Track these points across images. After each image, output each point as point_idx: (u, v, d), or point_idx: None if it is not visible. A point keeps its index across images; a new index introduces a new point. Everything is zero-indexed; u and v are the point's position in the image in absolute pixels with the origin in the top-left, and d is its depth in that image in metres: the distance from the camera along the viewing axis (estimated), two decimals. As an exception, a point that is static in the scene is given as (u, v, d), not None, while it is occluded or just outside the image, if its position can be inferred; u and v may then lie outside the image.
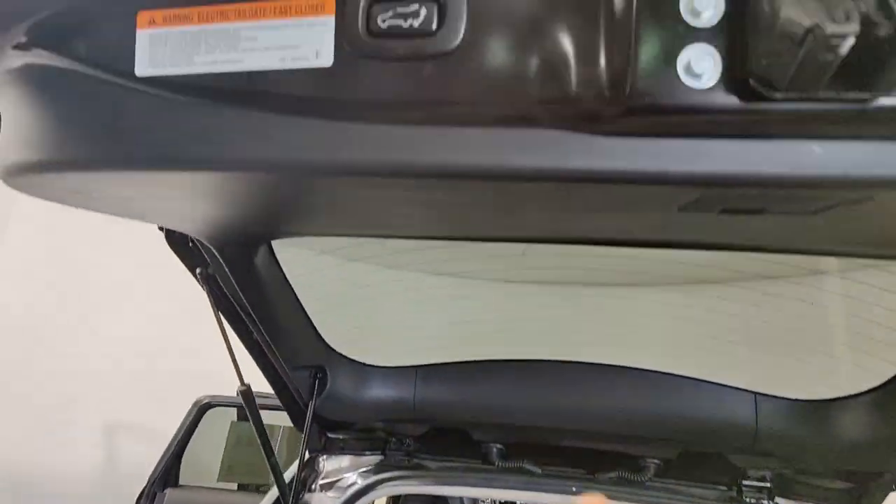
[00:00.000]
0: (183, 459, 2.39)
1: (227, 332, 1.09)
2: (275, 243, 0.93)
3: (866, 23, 0.28)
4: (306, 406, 1.17)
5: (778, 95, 0.31)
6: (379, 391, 1.23)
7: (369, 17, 0.37)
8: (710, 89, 0.33)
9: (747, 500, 1.17)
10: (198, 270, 0.99)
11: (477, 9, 0.36)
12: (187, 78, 0.40)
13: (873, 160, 0.34)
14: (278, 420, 2.39)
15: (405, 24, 0.37)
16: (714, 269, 1.05)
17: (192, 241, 0.93)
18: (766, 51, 0.30)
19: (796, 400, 1.11)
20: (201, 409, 2.41)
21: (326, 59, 0.38)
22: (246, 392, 1.08)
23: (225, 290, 1.02)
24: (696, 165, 0.35)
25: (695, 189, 0.38)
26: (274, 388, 1.19)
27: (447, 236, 0.82)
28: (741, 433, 1.13)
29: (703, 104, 0.33)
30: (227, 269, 0.92)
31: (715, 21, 0.33)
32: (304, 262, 1.05)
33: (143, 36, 0.41)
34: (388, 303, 1.21)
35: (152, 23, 0.41)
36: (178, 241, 0.93)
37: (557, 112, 0.36)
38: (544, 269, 1.12)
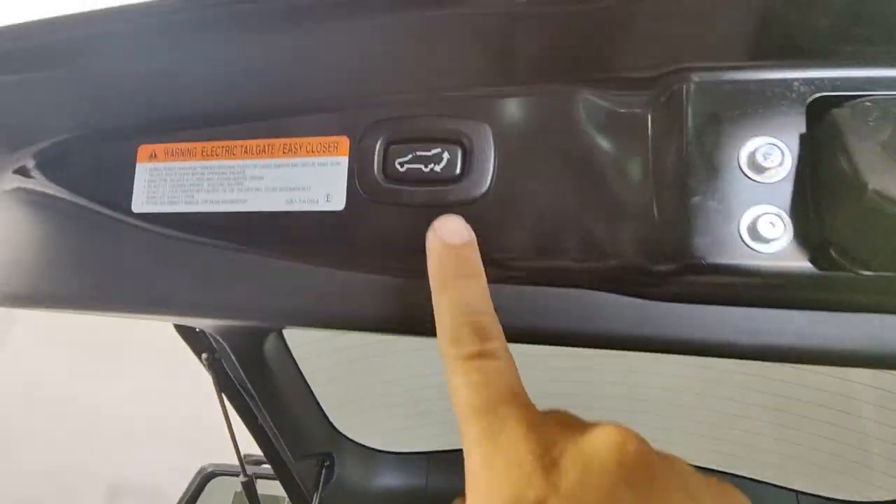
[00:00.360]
0: (184, 532, 2.28)
1: (229, 417, 1.04)
2: (286, 330, 0.90)
3: None
4: (311, 496, 1.11)
5: (866, 273, 0.27)
6: (390, 479, 1.17)
7: (386, 160, 0.35)
8: (779, 254, 0.29)
9: None
10: (204, 356, 0.95)
11: (507, 153, 0.34)
12: (186, 216, 0.38)
13: None
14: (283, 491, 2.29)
15: (426, 169, 0.34)
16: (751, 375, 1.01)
17: (201, 330, 0.90)
18: (845, 221, 0.27)
19: (835, 499, 1.04)
20: (204, 479, 2.32)
21: (338, 203, 0.36)
22: (247, 483, 1.03)
23: (231, 375, 0.99)
24: (759, 338, 0.31)
25: (753, 358, 0.34)
26: (278, 477, 1.13)
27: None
28: None
29: (770, 270, 0.29)
30: (233, 357, 0.89)
31: (781, 178, 0.30)
32: (314, 344, 1.01)
33: (142, 170, 0.39)
34: (399, 386, 1.16)
35: (153, 157, 0.39)
36: (184, 328, 0.91)
37: (597, 272, 0.33)
38: (564, 371, 1.07)
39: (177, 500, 2.49)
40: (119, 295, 0.39)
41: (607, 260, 0.33)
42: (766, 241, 0.29)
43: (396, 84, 0.36)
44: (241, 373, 0.93)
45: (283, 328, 0.80)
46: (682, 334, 0.33)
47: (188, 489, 2.33)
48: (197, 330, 0.91)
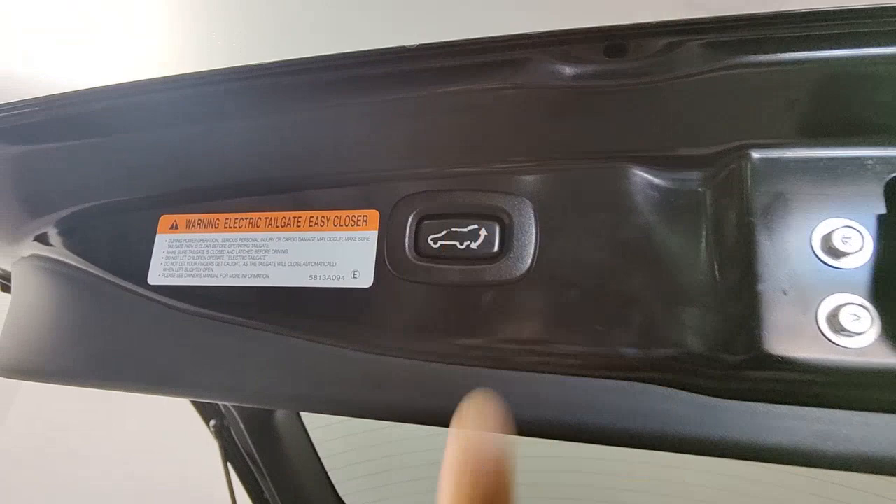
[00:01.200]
0: None
1: (233, 489, 0.98)
2: None
3: None
4: None
5: None
6: None
7: (418, 236, 0.33)
8: (866, 349, 0.26)
9: None
10: (212, 423, 0.91)
11: (550, 231, 0.31)
12: (204, 290, 0.36)
13: None
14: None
15: (461, 246, 0.32)
16: None
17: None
18: None
19: None
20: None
21: (366, 280, 0.33)
22: None
23: (238, 443, 0.94)
24: (847, 445, 0.27)
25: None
26: None
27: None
28: None
29: (857, 367, 0.26)
30: (242, 425, 0.85)
31: (861, 264, 0.27)
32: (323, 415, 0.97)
33: (161, 241, 0.37)
34: (406, 460, 1.10)
35: (174, 228, 0.37)
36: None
37: (652, 362, 0.30)
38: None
39: None
40: (127, 372, 0.36)
41: (664, 348, 0.30)
42: (851, 334, 0.26)
43: (431, 157, 0.35)
44: (249, 442, 0.89)
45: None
46: (750, 438, 0.29)
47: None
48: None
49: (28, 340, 0.39)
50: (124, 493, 3.38)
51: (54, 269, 0.39)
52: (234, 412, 0.83)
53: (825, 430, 0.28)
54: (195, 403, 0.93)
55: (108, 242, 0.38)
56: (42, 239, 0.40)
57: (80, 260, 0.38)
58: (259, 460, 0.92)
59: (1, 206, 0.41)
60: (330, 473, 1.04)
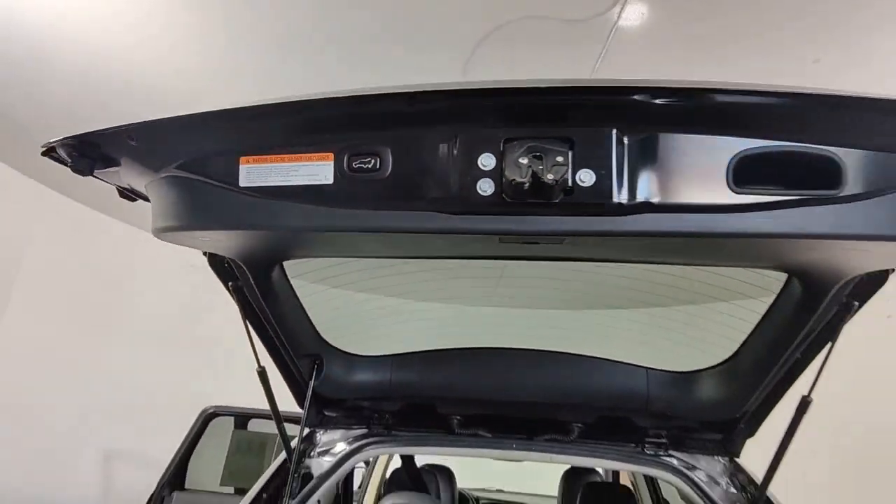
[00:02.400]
0: (189, 464, 2.65)
1: (250, 331, 1.41)
2: (286, 264, 1.29)
3: None
4: (307, 387, 1.49)
5: None
6: (363, 375, 1.56)
7: (349, 162, 0.77)
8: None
9: (649, 453, 1.51)
10: (230, 283, 1.32)
11: (399, 157, 0.77)
12: (263, 188, 0.81)
13: None
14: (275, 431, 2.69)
15: (368, 165, 0.77)
16: (612, 288, 1.45)
17: (227, 264, 1.27)
18: None
19: (674, 371, 1.47)
20: (207, 418, 2.69)
21: (329, 180, 0.79)
22: (261, 372, 1.40)
23: (249, 298, 1.36)
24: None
25: None
26: (282, 373, 1.51)
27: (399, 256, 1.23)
28: (638, 399, 1.48)
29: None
30: (252, 282, 1.27)
31: None
32: (306, 278, 1.40)
33: (243, 168, 0.81)
34: (369, 307, 1.56)
35: (247, 161, 0.81)
36: (218, 263, 1.28)
37: (444, 203, 0.76)
38: (486, 289, 1.50)
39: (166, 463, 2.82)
40: (234, 220, 0.83)
41: (448, 193, 0.76)
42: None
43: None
44: (257, 294, 1.31)
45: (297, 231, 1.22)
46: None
47: (192, 427, 2.70)
48: (226, 264, 1.28)
49: (174, 215, 0.83)
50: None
51: (187, 183, 0.85)
52: (245, 269, 1.25)
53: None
54: (219, 272, 1.34)
55: (220, 169, 0.83)
56: (181, 167, 0.84)
57: (203, 178, 0.83)
58: (265, 306, 1.34)
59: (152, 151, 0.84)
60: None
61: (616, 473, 3.37)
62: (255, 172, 0.82)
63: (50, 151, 0.86)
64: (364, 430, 1.60)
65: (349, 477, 2.55)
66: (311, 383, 1.47)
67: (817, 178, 0.73)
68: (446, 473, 2.48)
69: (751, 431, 1.44)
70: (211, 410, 2.71)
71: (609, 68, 2.48)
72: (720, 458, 1.48)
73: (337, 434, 1.60)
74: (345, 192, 0.79)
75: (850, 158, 0.71)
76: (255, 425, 2.84)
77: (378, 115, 0.78)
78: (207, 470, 2.78)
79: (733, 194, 0.73)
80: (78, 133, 0.83)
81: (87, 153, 0.86)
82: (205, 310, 5.15)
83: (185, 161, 0.86)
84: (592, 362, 1.51)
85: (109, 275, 4.57)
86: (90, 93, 2.85)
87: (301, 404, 1.52)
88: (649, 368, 1.48)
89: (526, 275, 1.38)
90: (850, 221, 0.73)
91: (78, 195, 4.19)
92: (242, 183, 0.82)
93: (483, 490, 4.09)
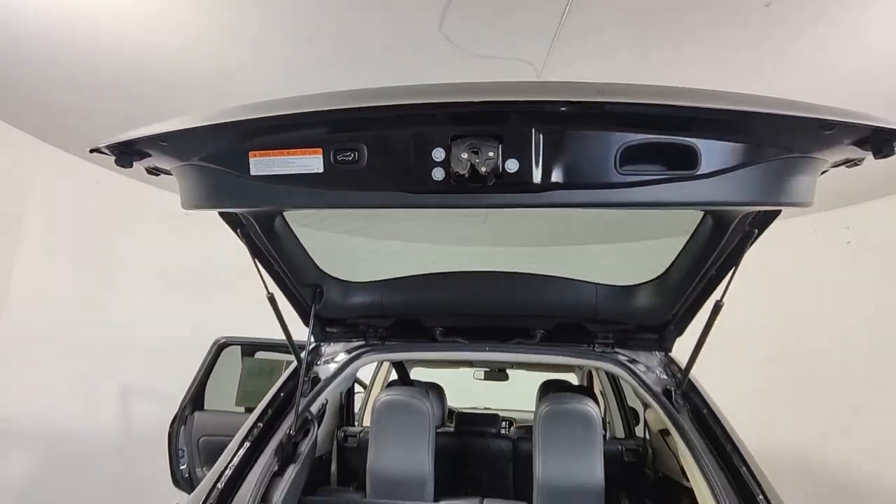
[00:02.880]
0: (206, 388, 2.98)
1: (259, 267, 1.65)
2: (286, 213, 1.53)
3: None
4: (311, 310, 1.77)
5: None
6: (358, 298, 1.84)
7: (335, 155, 1.01)
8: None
9: (598, 350, 1.82)
10: (239, 230, 1.54)
11: (373, 152, 1.01)
12: (269, 176, 1.06)
13: None
14: (281, 358, 3.02)
15: (349, 158, 1.01)
16: (569, 227, 1.70)
17: (236, 216, 1.50)
18: None
19: (617, 286, 1.77)
20: (219, 348, 2.99)
21: (319, 169, 1.03)
22: (271, 297, 1.66)
23: (256, 242, 1.59)
24: None
25: None
26: (289, 300, 1.78)
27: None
28: (589, 309, 1.78)
29: None
30: (258, 230, 1.51)
31: None
32: (304, 223, 1.64)
33: (252, 160, 1.06)
34: (361, 243, 1.82)
35: (255, 155, 1.05)
36: (230, 217, 1.50)
37: (407, 185, 1.02)
38: (463, 229, 1.75)
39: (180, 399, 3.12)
40: (245, 200, 1.13)
41: (412, 175, 1.02)
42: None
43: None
44: (263, 239, 1.55)
45: (298, 208, 1.46)
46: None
47: (207, 356, 3.01)
48: (234, 217, 1.50)
49: (197, 193, 1.09)
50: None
51: (206, 171, 1.10)
52: (252, 221, 1.48)
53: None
54: (231, 223, 1.55)
55: (233, 160, 1.07)
56: (203, 159, 1.07)
57: (218, 167, 1.08)
58: (270, 247, 1.58)
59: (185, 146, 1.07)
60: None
61: (590, 382, 3.78)
62: (262, 164, 1.06)
63: (96, 150, 1.09)
64: (361, 342, 1.90)
65: (350, 390, 2.90)
66: (314, 307, 1.74)
67: (680, 162, 0.97)
68: (437, 388, 2.82)
69: (680, 331, 1.76)
70: (222, 341, 3.01)
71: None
72: (656, 353, 1.80)
73: (338, 346, 1.90)
74: (332, 179, 1.06)
75: (704, 146, 0.96)
76: (260, 356, 3.15)
77: (356, 120, 1.01)
78: (221, 393, 3.10)
79: (619, 175, 0.99)
80: (120, 140, 1.06)
81: (127, 152, 1.08)
82: (204, 253, 5.39)
83: (206, 155, 1.10)
84: (552, 280, 1.80)
85: (108, 222, 4.76)
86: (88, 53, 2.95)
87: (306, 324, 1.80)
88: (598, 284, 1.78)
89: (499, 220, 1.63)
90: (704, 193, 1.00)
91: (72, 149, 4.31)
92: (253, 172, 1.07)
93: (472, 408, 4.50)
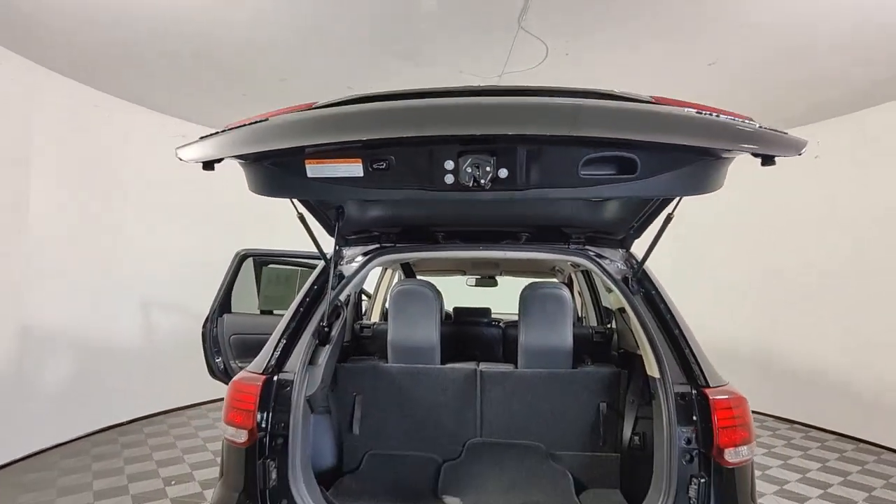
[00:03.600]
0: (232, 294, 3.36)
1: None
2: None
3: None
4: (335, 224, 2.07)
5: None
6: (373, 213, 2.17)
7: (371, 164, 1.35)
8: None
9: (573, 248, 2.20)
10: None
11: (400, 162, 1.39)
12: (322, 178, 1.40)
13: None
14: (295, 268, 3.38)
15: (382, 166, 1.37)
16: None
17: None
18: None
19: (589, 199, 2.11)
20: (241, 258, 3.34)
21: (360, 174, 1.38)
22: (301, 216, 1.95)
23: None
24: None
25: None
26: (316, 218, 2.07)
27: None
28: (565, 218, 2.13)
29: None
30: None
31: None
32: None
33: (308, 166, 1.38)
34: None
35: (310, 162, 1.36)
36: None
37: (426, 186, 1.43)
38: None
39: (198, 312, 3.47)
40: (303, 192, 1.58)
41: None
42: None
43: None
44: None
45: (344, 202, 1.98)
46: None
47: (230, 267, 3.37)
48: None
49: (269, 187, 1.51)
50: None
51: (276, 171, 1.45)
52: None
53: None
54: None
55: (293, 167, 1.40)
56: (272, 164, 1.43)
57: (280, 169, 1.42)
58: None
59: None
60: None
61: (570, 284, 4.25)
62: (315, 169, 1.40)
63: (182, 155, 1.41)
64: (376, 246, 2.26)
65: (360, 294, 3.32)
66: (338, 224, 2.05)
67: (625, 168, 1.38)
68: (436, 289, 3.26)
69: (637, 234, 2.14)
70: (243, 252, 3.36)
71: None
72: (619, 249, 2.20)
73: (357, 249, 2.27)
74: (369, 180, 1.43)
75: (642, 158, 1.36)
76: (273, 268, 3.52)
77: (387, 140, 1.32)
78: (244, 299, 3.49)
79: (581, 178, 1.40)
80: (210, 158, 1.38)
81: (214, 162, 1.40)
82: (205, 178, 5.59)
83: (273, 161, 1.45)
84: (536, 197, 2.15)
85: (109, 144, 4.93)
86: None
87: (331, 234, 2.13)
88: (573, 199, 2.11)
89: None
90: (641, 189, 1.43)
91: (78, 76, 4.39)
92: (309, 175, 1.41)
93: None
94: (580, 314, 4.10)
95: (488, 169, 1.32)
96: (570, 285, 4.26)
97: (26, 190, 4.16)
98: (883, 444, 4.69)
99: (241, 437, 1.68)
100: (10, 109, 4.03)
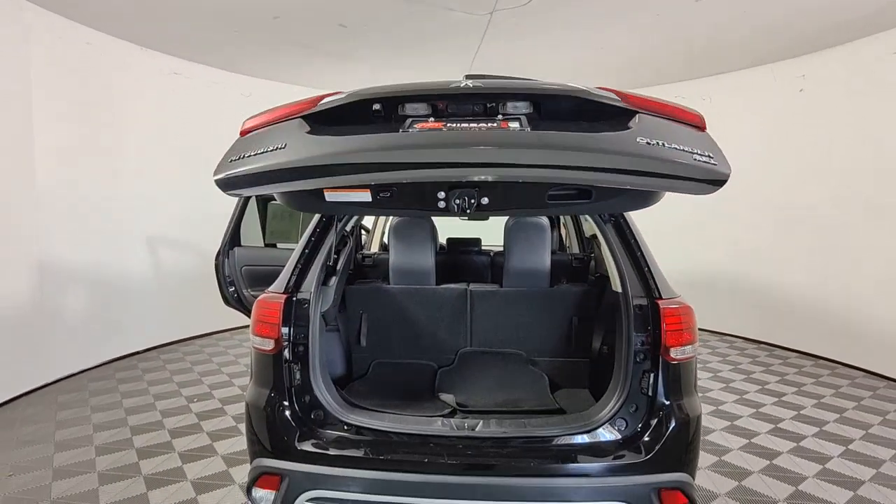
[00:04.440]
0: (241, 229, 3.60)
1: None
2: None
3: None
4: None
5: None
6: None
7: (378, 193, 1.68)
8: None
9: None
10: None
11: (402, 192, 1.78)
12: (338, 202, 1.72)
13: None
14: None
15: (387, 195, 1.74)
16: None
17: None
18: None
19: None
20: (248, 196, 3.56)
21: (368, 199, 1.71)
22: None
23: None
24: None
25: None
26: None
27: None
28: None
29: None
30: None
31: None
32: None
33: (327, 194, 1.66)
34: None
35: (328, 192, 1.64)
36: None
37: (422, 208, 1.79)
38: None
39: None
40: (321, 211, 2.09)
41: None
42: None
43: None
44: None
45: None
46: None
47: (238, 204, 3.59)
48: None
49: (297, 204, 1.84)
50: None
51: (301, 194, 1.82)
52: None
53: None
54: None
55: (315, 194, 1.71)
56: (298, 191, 1.72)
57: (309, 194, 1.77)
58: None
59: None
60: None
61: (557, 222, 4.52)
62: (333, 196, 1.71)
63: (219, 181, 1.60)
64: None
65: (359, 229, 3.58)
66: None
67: (583, 195, 1.77)
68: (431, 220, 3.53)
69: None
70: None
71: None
72: None
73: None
74: (376, 204, 1.81)
75: (596, 189, 1.73)
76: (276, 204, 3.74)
77: (390, 179, 1.52)
78: (248, 235, 3.72)
79: (547, 203, 1.80)
80: (247, 194, 1.77)
81: (242, 191, 1.60)
82: (200, 115, 5.71)
83: (299, 190, 1.73)
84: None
85: (106, 83, 5.00)
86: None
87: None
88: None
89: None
90: (595, 209, 1.91)
91: (73, 14, 4.41)
92: (327, 199, 1.73)
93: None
94: (565, 244, 4.41)
95: (472, 200, 1.71)
96: (557, 219, 4.54)
97: (30, 132, 4.29)
98: (838, 359, 5.17)
99: (268, 345, 1.99)
100: (6, 50, 4.09)
